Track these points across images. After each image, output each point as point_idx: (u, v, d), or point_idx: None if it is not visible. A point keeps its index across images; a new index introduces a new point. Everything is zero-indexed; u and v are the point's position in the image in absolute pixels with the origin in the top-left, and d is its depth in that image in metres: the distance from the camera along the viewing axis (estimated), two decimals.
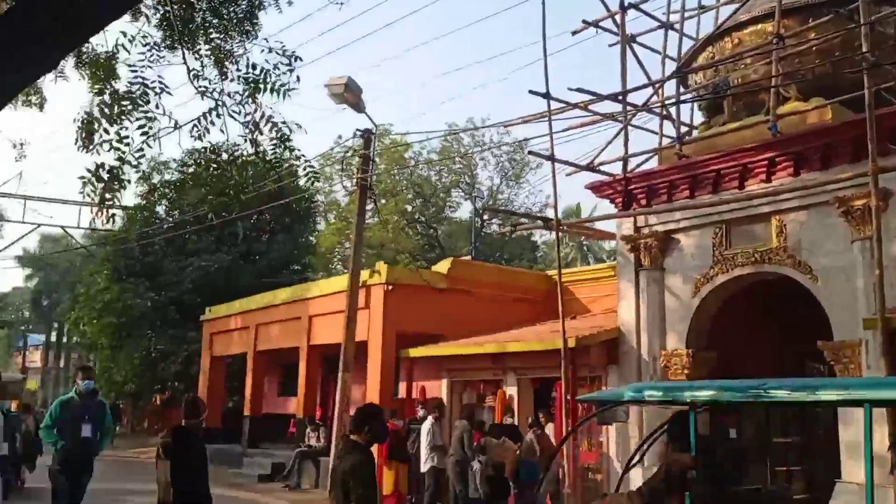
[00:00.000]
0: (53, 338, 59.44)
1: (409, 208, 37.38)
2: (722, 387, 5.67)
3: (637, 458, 6.21)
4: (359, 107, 14.91)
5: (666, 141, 13.24)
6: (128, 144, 5.37)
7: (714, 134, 12.27)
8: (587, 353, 13.04)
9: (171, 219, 28.67)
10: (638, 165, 13.26)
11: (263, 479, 18.22)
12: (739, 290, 12.10)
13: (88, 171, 5.27)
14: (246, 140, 6.00)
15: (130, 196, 30.08)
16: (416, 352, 16.52)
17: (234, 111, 5.91)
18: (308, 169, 6.12)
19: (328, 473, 14.59)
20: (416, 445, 13.06)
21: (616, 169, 13.24)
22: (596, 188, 13.36)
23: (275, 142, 5.96)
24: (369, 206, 17.14)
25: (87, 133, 5.58)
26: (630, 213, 12.77)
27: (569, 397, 12.29)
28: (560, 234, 14.01)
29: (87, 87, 6.81)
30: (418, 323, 16.82)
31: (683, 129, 13.38)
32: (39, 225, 25.47)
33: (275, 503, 15.15)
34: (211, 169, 6.51)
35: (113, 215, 5.77)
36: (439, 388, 16.10)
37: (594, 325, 14.29)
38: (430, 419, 12.81)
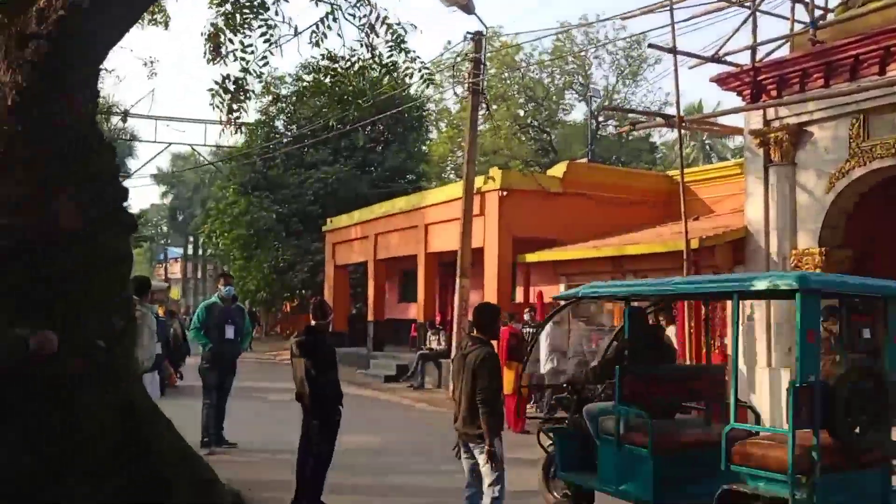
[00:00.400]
0: (190, 250, 63.37)
1: (522, 113, 36.73)
2: (645, 283, 7.49)
3: (612, 348, 7.25)
4: (468, 8, 14.59)
5: (798, 26, 12.28)
6: (252, 53, 5.51)
7: (853, 16, 11.28)
8: (711, 255, 12.70)
9: (289, 133, 29.48)
10: (767, 54, 12.43)
11: (389, 379, 19.09)
12: (878, 185, 11.34)
13: (216, 82, 5.46)
14: (362, 45, 6.03)
15: (252, 113, 31.05)
16: (532, 257, 16.56)
17: (349, 14, 5.92)
18: (423, 70, 6.10)
19: (449, 374, 15.14)
20: (531, 348, 13.27)
21: (744, 59, 12.46)
22: (721, 80, 12.66)
23: (390, 44, 5.95)
24: (481, 112, 16.95)
25: (214, 45, 5.75)
26: (760, 105, 12.08)
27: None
28: (682, 131, 13.45)
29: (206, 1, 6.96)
30: (534, 228, 16.80)
31: (818, 12, 12.34)
32: (170, 144, 26.90)
33: (401, 402, 15.89)
34: (329, 76, 6.59)
35: (240, 126, 5.99)
36: (556, 293, 16.14)
37: (719, 225, 13.85)
38: (550, 322, 12.92)
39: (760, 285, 5.46)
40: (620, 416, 5.85)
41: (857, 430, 5.03)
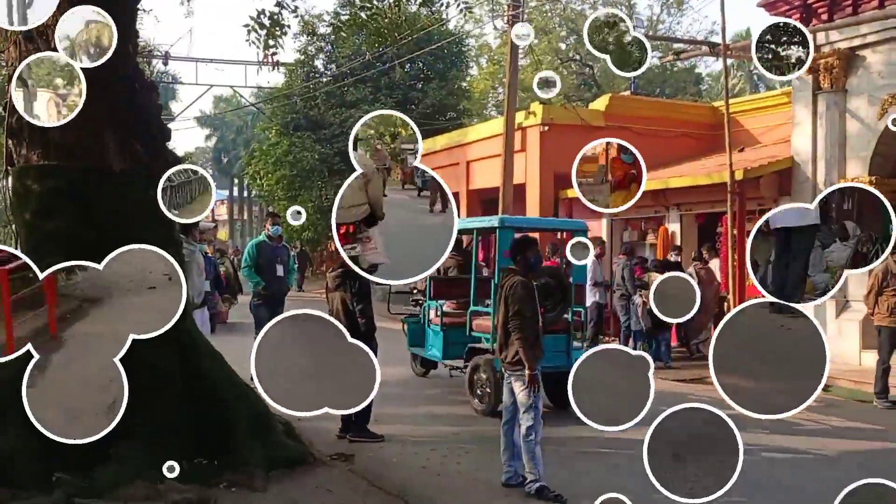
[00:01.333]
0: (235, 192, 64.17)
1: (563, 46, 35.95)
2: (483, 220, 9.73)
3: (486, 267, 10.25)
4: None
5: None
6: None
7: None
8: (756, 186, 12.46)
9: (328, 72, 29.34)
10: None
11: None
12: None
13: (251, 18, 5.50)
14: None
15: (291, 53, 30.95)
16: (574, 192, 16.43)
17: None
18: (460, 1, 6.00)
19: None
20: None
21: None
22: (770, 5, 12.25)
23: None
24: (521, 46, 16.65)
25: None
26: (810, 29, 11.60)
27: (735, 232, 11.94)
28: (728, 60, 13.07)
29: None
30: None
31: None
32: (211, 86, 27.05)
33: None
34: (365, 10, 6.55)
35: (278, 63, 6.02)
36: (599, 227, 16.07)
37: (764, 156, 13.55)
38: (591, 256, 12.92)
39: (481, 224, 9.21)
40: (430, 307, 9.47)
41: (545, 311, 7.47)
